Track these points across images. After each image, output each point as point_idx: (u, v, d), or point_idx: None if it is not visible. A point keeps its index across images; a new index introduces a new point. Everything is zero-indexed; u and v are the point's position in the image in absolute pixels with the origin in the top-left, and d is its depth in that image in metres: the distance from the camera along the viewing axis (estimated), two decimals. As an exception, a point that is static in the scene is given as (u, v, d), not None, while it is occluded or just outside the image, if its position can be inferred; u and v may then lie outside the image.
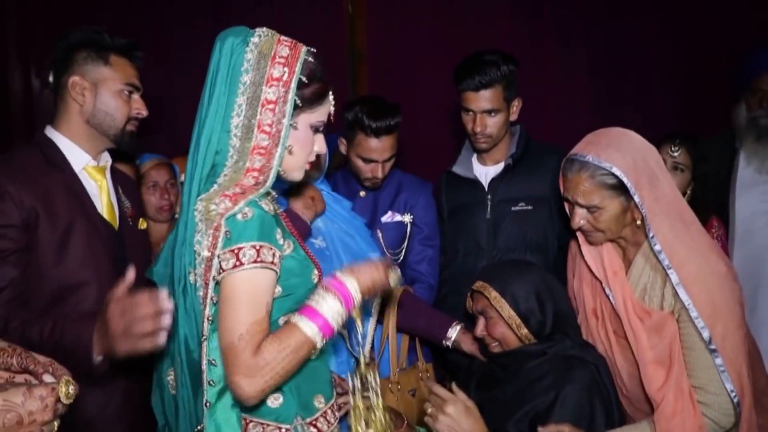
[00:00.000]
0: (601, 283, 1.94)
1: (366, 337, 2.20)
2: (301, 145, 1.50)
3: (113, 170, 1.99)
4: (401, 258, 2.55)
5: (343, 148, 2.53)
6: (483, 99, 2.38)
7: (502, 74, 2.36)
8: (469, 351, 2.14)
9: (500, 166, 2.53)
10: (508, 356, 1.95)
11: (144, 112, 1.90)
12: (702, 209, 2.72)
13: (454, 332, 2.19)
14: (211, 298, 1.38)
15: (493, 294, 1.91)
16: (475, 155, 2.61)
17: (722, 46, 4.06)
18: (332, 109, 1.56)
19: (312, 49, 1.52)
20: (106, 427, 1.83)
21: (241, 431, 1.42)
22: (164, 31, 4.10)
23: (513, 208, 2.46)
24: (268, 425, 1.46)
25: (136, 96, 1.88)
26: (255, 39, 1.46)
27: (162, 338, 1.30)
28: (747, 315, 2.84)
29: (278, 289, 1.43)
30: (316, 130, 1.53)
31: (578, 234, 1.94)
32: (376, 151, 2.40)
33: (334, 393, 1.61)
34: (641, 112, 4.12)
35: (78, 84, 1.79)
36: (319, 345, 1.39)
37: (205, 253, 1.38)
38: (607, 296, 1.92)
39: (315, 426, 1.50)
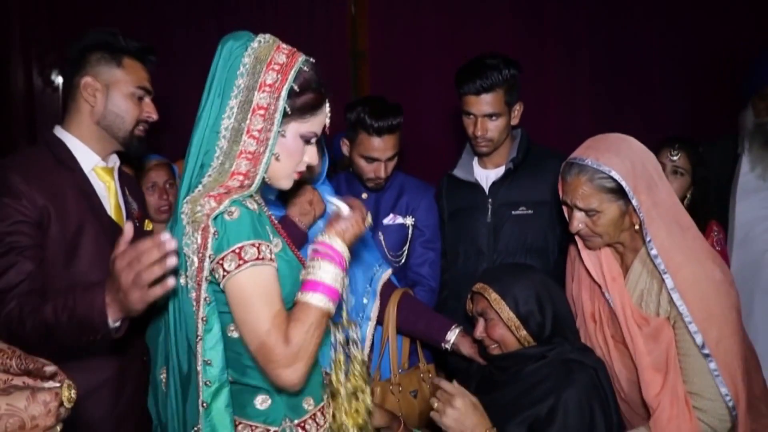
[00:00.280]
0: (600, 287, 1.94)
1: (365, 340, 2.20)
2: (288, 153, 1.49)
3: (119, 172, 1.99)
4: (403, 260, 2.55)
5: (345, 149, 2.53)
6: (484, 103, 2.38)
7: (503, 78, 2.36)
8: (467, 354, 2.15)
9: (501, 170, 2.53)
10: (507, 359, 1.95)
11: (154, 116, 1.91)
12: (701, 213, 2.73)
13: (453, 335, 2.19)
14: (205, 299, 1.39)
15: (493, 295, 1.92)
16: (475, 158, 2.61)
17: (725, 50, 4.06)
18: (328, 121, 1.55)
19: (311, 59, 1.51)
20: (114, 427, 1.83)
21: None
22: (167, 32, 4.10)
23: (513, 212, 2.46)
24: (257, 427, 1.47)
25: (147, 99, 1.89)
26: (254, 44, 1.47)
27: (171, 281, 1.29)
28: (743, 319, 2.87)
29: None
30: (306, 141, 1.52)
31: (577, 238, 1.95)
32: (378, 150, 2.41)
33: (326, 395, 1.61)
34: (643, 116, 4.12)
35: (90, 85, 1.80)
36: (332, 311, 1.43)
37: (195, 256, 1.38)
38: (607, 300, 1.92)
39: (303, 428, 1.51)
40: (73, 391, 0.97)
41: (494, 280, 1.96)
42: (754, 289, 2.96)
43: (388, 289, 2.29)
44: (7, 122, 4.63)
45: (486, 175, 2.56)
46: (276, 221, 1.59)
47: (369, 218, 1.58)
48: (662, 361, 1.79)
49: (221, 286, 1.38)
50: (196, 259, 1.38)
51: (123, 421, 1.87)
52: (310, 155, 1.54)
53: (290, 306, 1.44)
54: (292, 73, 1.45)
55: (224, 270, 1.36)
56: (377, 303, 2.23)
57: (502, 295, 1.91)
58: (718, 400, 1.74)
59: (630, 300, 1.86)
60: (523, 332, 1.91)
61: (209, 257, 1.36)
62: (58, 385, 0.96)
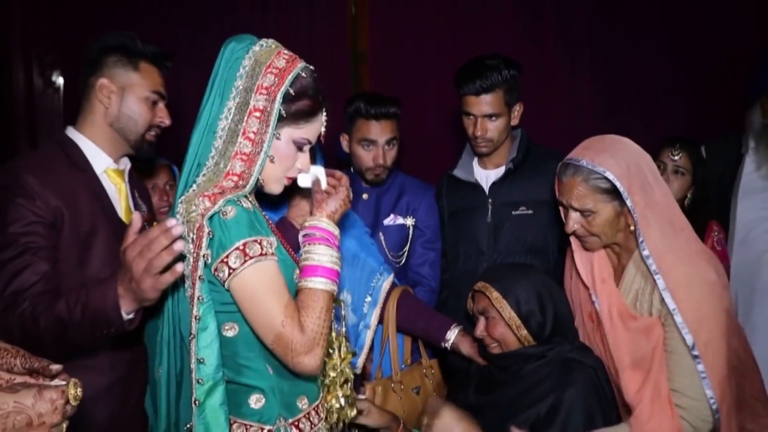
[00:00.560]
0: (588, 289, 1.96)
1: (363, 347, 2.20)
2: (280, 156, 1.51)
3: (129, 174, 2.00)
4: (403, 261, 2.56)
5: (345, 144, 2.55)
6: (484, 103, 2.39)
7: (503, 79, 2.37)
8: (467, 354, 2.15)
9: (501, 170, 2.53)
10: (507, 358, 1.96)
11: (167, 121, 1.91)
12: (702, 213, 2.73)
13: (452, 334, 2.19)
14: (199, 298, 1.40)
15: (495, 294, 1.93)
16: (476, 159, 2.62)
17: (726, 51, 4.06)
18: (323, 130, 1.56)
19: (310, 67, 1.53)
20: (122, 427, 1.83)
21: (228, 431, 1.43)
22: (168, 33, 4.11)
23: (514, 212, 2.47)
24: (251, 426, 1.48)
25: (161, 105, 1.90)
26: (256, 47, 1.49)
27: (179, 267, 1.30)
28: (742, 319, 2.87)
29: None
30: (299, 147, 1.53)
31: (572, 239, 1.96)
32: (375, 133, 2.46)
33: (321, 393, 1.62)
34: (644, 116, 4.11)
35: (106, 86, 1.80)
36: (336, 291, 1.48)
37: (190, 255, 1.39)
38: (593, 303, 1.95)
39: (297, 427, 1.52)
40: (79, 389, 0.98)
41: (496, 279, 1.97)
42: (753, 289, 2.96)
43: (389, 288, 2.29)
44: (8, 122, 4.63)
45: (486, 176, 2.56)
46: (270, 222, 1.59)
47: (350, 193, 1.61)
48: (647, 359, 1.80)
49: (226, 285, 1.39)
50: (191, 258, 1.39)
51: (131, 422, 1.87)
52: (303, 162, 1.56)
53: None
54: (290, 78, 1.46)
55: (230, 268, 1.37)
56: (378, 311, 2.24)
57: (503, 294, 1.92)
58: (701, 399, 1.75)
59: (619, 300, 1.87)
60: (524, 332, 1.91)
61: (204, 257, 1.38)
62: (64, 383, 0.97)
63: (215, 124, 1.46)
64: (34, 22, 4.56)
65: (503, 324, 1.93)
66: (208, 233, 1.37)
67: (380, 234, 2.54)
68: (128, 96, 1.83)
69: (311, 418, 1.56)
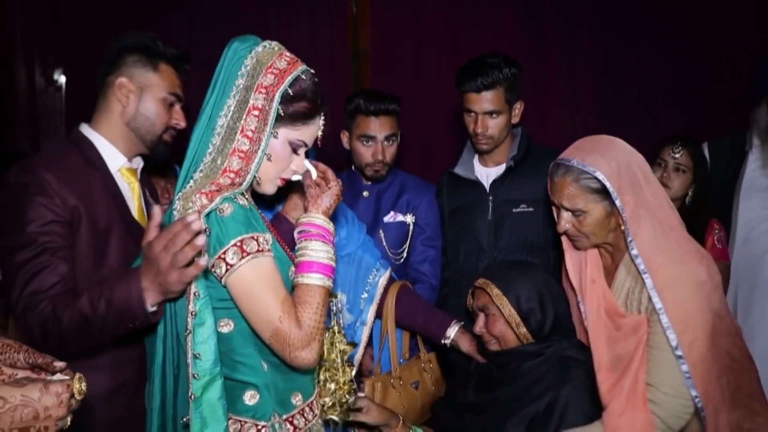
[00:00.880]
0: (574, 290, 1.98)
1: (359, 343, 2.21)
2: (276, 155, 1.52)
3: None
4: (403, 258, 2.57)
5: (345, 141, 2.57)
6: (485, 100, 2.40)
7: (504, 76, 2.39)
8: (466, 351, 2.16)
9: (501, 168, 2.54)
10: (505, 355, 1.97)
11: (182, 123, 1.91)
12: (703, 211, 2.74)
13: (452, 331, 2.20)
14: (195, 294, 1.41)
15: (495, 291, 1.94)
16: (476, 156, 2.63)
17: (727, 53, 4.06)
18: (320, 134, 1.57)
19: (311, 70, 1.54)
20: (132, 427, 1.84)
21: (226, 424, 1.44)
22: (170, 33, 4.11)
23: (514, 210, 2.48)
24: (245, 422, 1.49)
25: (177, 107, 1.90)
26: (259, 48, 1.50)
27: (202, 261, 1.34)
28: (741, 318, 2.87)
29: None
30: (294, 150, 1.54)
31: (563, 239, 1.98)
32: (374, 129, 2.48)
33: (315, 390, 1.63)
34: (645, 116, 4.12)
35: (125, 86, 1.80)
36: (331, 287, 1.50)
37: None
38: (578, 304, 1.96)
39: (291, 423, 1.53)
40: (83, 384, 1.00)
41: (497, 276, 1.98)
42: (753, 288, 2.97)
43: (386, 284, 2.30)
44: (10, 122, 4.64)
45: (487, 173, 2.57)
46: (266, 219, 1.60)
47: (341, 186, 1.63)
48: (626, 358, 1.81)
49: (223, 281, 1.40)
50: None
51: (140, 421, 1.88)
52: (297, 164, 1.57)
53: None
54: (289, 79, 1.48)
55: (227, 264, 1.38)
56: (374, 308, 2.25)
57: (504, 291, 1.93)
58: (676, 395, 1.76)
59: (609, 300, 1.88)
60: (523, 329, 1.92)
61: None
62: (67, 378, 0.98)
63: (214, 121, 1.48)
64: (36, 21, 4.57)
65: (503, 321, 1.94)
66: (205, 230, 1.38)
67: (380, 231, 2.55)
68: (146, 96, 1.83)
69: (305, 414, 1.57)
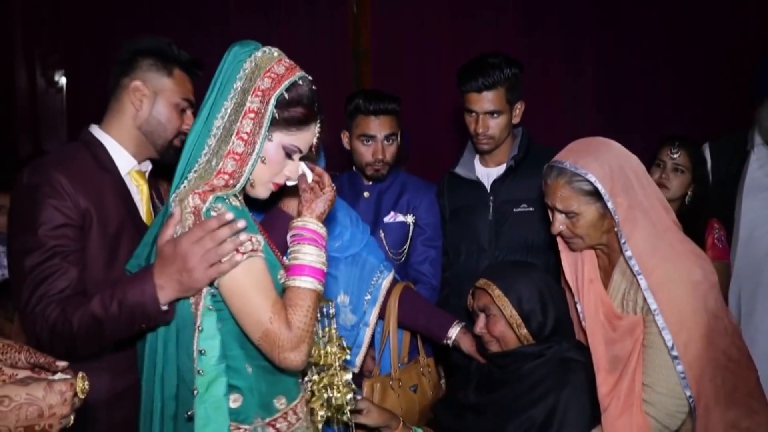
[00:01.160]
0: (571, 290, 1.99)
1: (362, 344, 2.22)
2: (270, 158, 1.52)
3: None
4: (403, 258, 2.58)
5: (345, 141, 2.58)
6: (486, 100, 2.41)
7: (505, 77, 2.39)
8: (467, 351, 2.16)
9: (502, 168, 2.55)
10: (505, 356, 1.97)
11: None
12: (702, 210, 2.75)
13: (454, 331, 2.21)
14: (204, 290, 1.42)
15: (497, 292, 1.94)
16: (477, 156, 2.64)
17: (730, 52, 4.06)
18: (315, 141, 1.58)
19: (309, 78, 1.54)
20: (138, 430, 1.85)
21: (229, 421, 1.44)
22: (171, 34, 4.11)
23: (515, 210, 2.49)
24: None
25: (189, 112, 1.89)
26: (258, 53, 1.51)
27: (238, 256, 1.37)
28: (744, 318, 2.87)
29: None
30: (288, 154, 1.54)
31: (559, 240, 1.98)
32: (374, 128, 2.48)
33: (301, 393, 1.63)
34: (646, 116, 4.13)
35: (139, 89, 1.80)
36: (322, 291, 1.51)
37: None
38: (575, 304, 1.97)
39: (273, 426, 1.52)
40: (86, 382, 1.01)
41: (498, 277, 1.98)
42: (756, 288, 2.97)
43: (389, 286, 2.31)
44: (11, 122, 4.65)
45: (487, 173, 2.58)
46: (257, 222, 1.60)
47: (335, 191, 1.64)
48: (624, 359, 1.82)
49: (215, 281, 1.41)
50: None
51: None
52: (290, 170, 1.56)
53: None
54: (286, 83, 1.48)
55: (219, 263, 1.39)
56: (377, 309, 2.26)
57: (505, 291, 1.94)
58: (670, 395, 1.77)
59: (606, 301, 1.89)
60: (524, 330, 1.92)
61: None
62: (68, 376, 0.99)
63: (210, 123, 1.49)
64: (37, 22, 4.58)
65: (504, 322, 1.94)
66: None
67: (381, 232, 2.55)
68: (160, 101, 1.82)
69: (288, 418, 1.56)
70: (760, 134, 3.03)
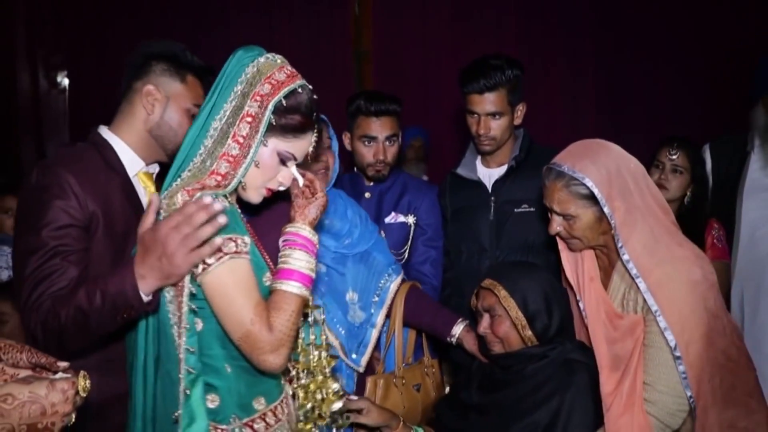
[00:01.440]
0: (573, 289, 1.99)
1: (368, 344, 2.23)
2: (264, 163, 1.52)
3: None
4: (404, 259, 2.58)
5: (347, 142, 2.59)
6: (487, 102, 2.42)
7: (506, 78, 2.40)
8: (470, 350, 2.17)
9: (503, 168, 2.55)
10: (509, 358, 1.97)
11: None
12: (701, 211, 2.76)
13: (458, 329, 2.22)
14: (190, 288, 1.42)
15: (503, 293, 1.94)
16: (479, 157, 2.64)
17: (731, 52, 4.07)
18: (311, 150, 1.58)
19: (310, 87, 1.54)
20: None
21: (208, 420, 1.44)
22: (173, 36, 4.13)
23: (516, 210, 2.49)
24: None
25: None
26: (261, 59, 1.51)
27: (218, 240, 1.36)
28: (748, 318, 2.87)
29: None
30: (282, 161, 1.54)
31: (558, 240, 1.99)
32: (375, 129, 2.50)
33: (283, 393, 1.63)
34: (647, 116, 4.13)
35: (152, 93, 1.81)
36: (308, 296, 1.50)
37: None
38: (577, 302, 1.97)
39: (251, 427, 1.52)
40: (87, 381, 1.02)
41: (504, 277, 1.98)
42: (759, 288, 2.97)
43: (397, 289, 2.32)
44: (14, 123, 4.66)
45: (489, 174, 2.59)
46: (247, 223, 1.60)
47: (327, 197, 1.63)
48: (626, 358, 1.82)
49: (198, 280, 1.41)
50: None
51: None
52: (284, 176, 1.57)
53: None
54: (285, 90, 1.48)
55: (204, 262, 1.39)
56: (384, 311, 2.27)
57: (511, 292, 1.93)
58: (671, 393, 1.77)
59: (606, 301, 1.89)
60: (528, 332, 1.92)
61: None
62: (69, 375, 1.00)
63: (209, 124, 1.49)
64: (39, 23, 4.58)
65: (509, 323, 1.94)
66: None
67: (381, 232, 2.55)
68: (172, 106, 1.83)
69: (267, 419, 1.56)
70: (757, 136, 3.04)
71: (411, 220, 2.59)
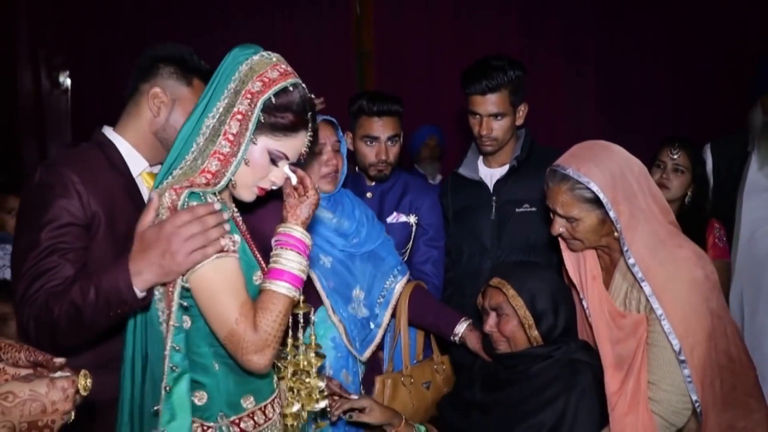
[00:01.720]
0: (576, 288, 1.99)
1: (372, 341, 2.23)
2: (254, 162, 1.50)
3: None
4: (406, 258, 2.59)
5: (349, 142, 2.59)
6: (489, 103, 2.42)
7: (508, 79, 2.40)
8: (473, 349, 2.18)
9: (505, 168, 2.56)
10: (514, 358, 1.97)
11: None
12: (702, 210, 2.76)
13: (461, 328, 2.23)
14: (182, 286, 1.42)
15: (512, 292, 1.94)
16: (480, 157, 2.65)
17: (732, 52, 4.07)
18: (305, 150, 1.56)
19: (303, 85, 1.52)
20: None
21: (191, 418, 1.44)
22: (175, 36, 4.14)
23: (517, 210, 2.49)
24: (193, 422, 1.47)
25: None
26: (256, 57, 1.50)
27: (224, 242, 1.38)
28: (748, 318, 2.87)
29: None
30: (272, 160, 1.52)
31: (560, 240, 1.99)
32: (377, 129, 2.50)
33: (275, 392, 1.63)
34: (648, 116, 4.13)
35: (158, 96, 1.81)
36: (297, 297, 1.49)
37: None
38: (581, 300, 1.98)
39: (237, 425, 1.52)
40: (88, 380, 1.02)
41: (512, 276, 1.98)
42: (759, 288, 2.98)
43: (402, 290, 2.34)
44: (16, 123, 4.67)
45: (491, 174, 2.59)
46: (239, 222, 1.60)
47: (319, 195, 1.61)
48: (629, 357, 1.83)
49: (185, 278, 1.41)
50: None
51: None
52: (276, 176, 1.55)
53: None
54: (275, 88, 1.47)
55: None
56: (389, 311, 2.28)
57: (519, 291, 1.94)
58: (675, 392, 1.78)
59: (608, 300, 1.90)
60: (535, 332, 1.93)
61: None
62: (69, 374, 1.01)
63: (201, 122, 1.49)
64: (42, 24, 4.59)
65: (516, 322, 1.95)
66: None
67: (385, 232, 2.57)
68: (178, 109, 1.83)
69: (255, 418, 1.55)
70: (755, 136, 3.05)
71: (412, 219, 2.59)
